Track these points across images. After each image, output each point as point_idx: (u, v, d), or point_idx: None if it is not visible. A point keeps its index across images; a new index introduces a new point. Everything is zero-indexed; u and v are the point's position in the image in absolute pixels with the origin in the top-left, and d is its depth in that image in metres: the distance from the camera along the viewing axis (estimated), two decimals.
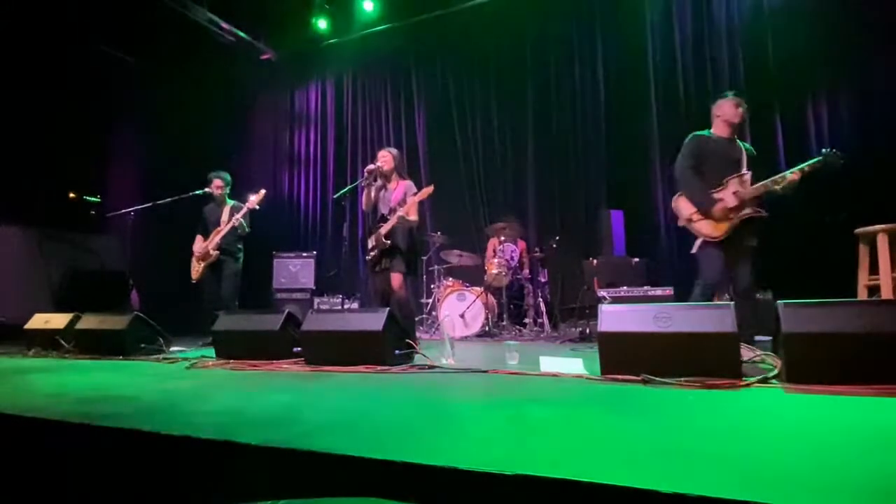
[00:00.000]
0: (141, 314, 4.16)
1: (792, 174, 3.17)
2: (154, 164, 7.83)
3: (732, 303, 2.40)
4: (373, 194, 4.30)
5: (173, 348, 4.18)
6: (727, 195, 3.26)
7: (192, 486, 1.40)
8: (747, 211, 3.22)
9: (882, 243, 3.75)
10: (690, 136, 3.53)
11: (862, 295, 3.95)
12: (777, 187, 3.18)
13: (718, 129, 3.48)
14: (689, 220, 3.39)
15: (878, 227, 3.80)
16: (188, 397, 2.16)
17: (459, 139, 7.31)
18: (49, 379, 2.79)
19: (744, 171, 3.29)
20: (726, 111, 3.43)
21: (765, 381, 2.15)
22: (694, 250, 3.41)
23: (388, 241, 4.05)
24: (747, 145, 3.47)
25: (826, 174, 3.22)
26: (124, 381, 2.68)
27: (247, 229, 5.10)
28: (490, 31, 7.14)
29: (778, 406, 1.80)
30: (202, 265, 5.06)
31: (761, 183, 3.21)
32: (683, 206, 3.44)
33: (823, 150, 3.17)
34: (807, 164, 3.18)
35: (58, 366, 3.45)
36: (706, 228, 3.31)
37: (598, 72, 6.60)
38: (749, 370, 2.35)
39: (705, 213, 3.31)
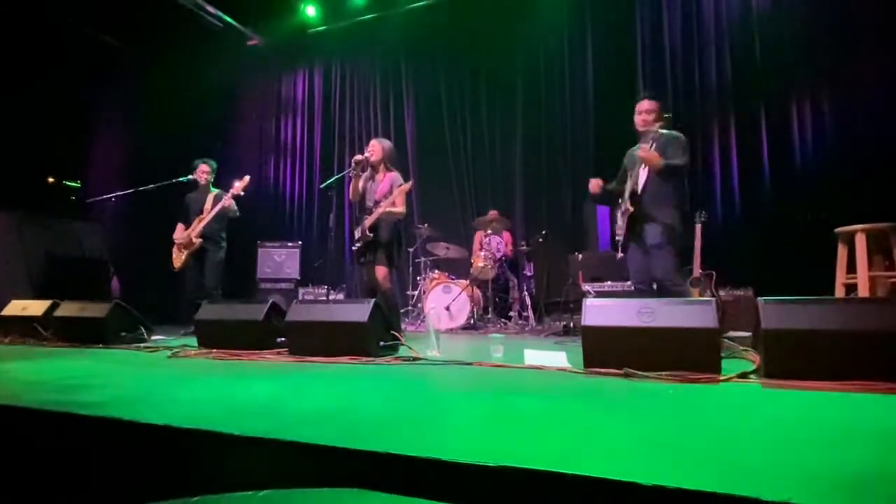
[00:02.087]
0: (122, 302, 4.09)
1: (640, 150, 3.39)
2: (136, 149, 7.69)
3: (714, 299, 2.44)
4: (360, 185, 4.27)
5: (155, 337, 4.13)
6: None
7: (173, 477, 1.39)
8: (624, 210, 3.47)
9: (860, 243, 3.82)
10: None
11: (839, 293, 4.03)
12: (643, 160, 3.36)
13: None
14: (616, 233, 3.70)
15: (856, 226, 3.88)
16: (169, 386, 2.13)
17: (448, 131, 7.29)
18: (26, 366, 2.73)
19: (639, 169, 3.46)
20: (635, 119, 3.59)
21: (744, 376, 2.19)
22: (618, 257, 3.78)
23: (371, 235, 4.04)
24: (669, 132, 3.52)
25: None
26: (104, 369, 2.65)
27: (237, 213, 5.09)
28: (481, 24, 7.11)
29: (756, 401, 1.84)
30: (184, 253, 4.99)
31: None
32: (616, 218, 3.73)
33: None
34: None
35: (35, 353, 3.39)
36: (618, 235, 3.61)
37: (588, 67, 6.62)
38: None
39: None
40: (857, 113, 5.06)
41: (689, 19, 6.09)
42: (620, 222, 3.57)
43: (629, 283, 4.88)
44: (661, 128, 3.49)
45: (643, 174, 3.44)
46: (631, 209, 3.41)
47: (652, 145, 3.43)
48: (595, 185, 3.58)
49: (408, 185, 4.10)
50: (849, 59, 5.13)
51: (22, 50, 6.73)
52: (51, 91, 6.98)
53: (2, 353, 3.42)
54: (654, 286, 3.50)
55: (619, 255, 3.71)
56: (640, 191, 3.42)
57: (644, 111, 3.52)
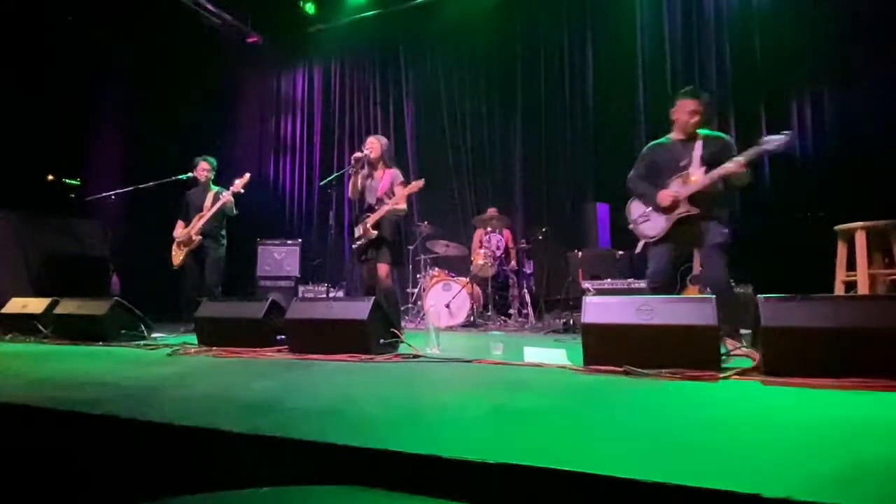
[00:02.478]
0: (122, 300, 4.09)
1: (734, 164, 3.11)
2: (136, 147, 7.68)
3: (714, 296, 2.43)
4: (359, 182, 4.27)
5: (155, 335, 4.13)
6: (664, 195, 3.31)
7: (173, 474, 1.39)
8: (680, 210, 3.26)
9: (860, 240, 3.82)
10: (647, 145, 3.60)
11: (839, 290, 4.03)
12: (730, 173, 3.12)
13: (674, 133, 3.45)
14: (634, 223, 3.50)
15: (856, 224, 3.87)
16: (169, 384, 2.13)
17: (448, 128, 7.28)
18: (26, 364, 2.74)
19: (691, 170, 3.27)
20: (679, 115, 3.39)
21: (743, 373, 2.19)
22: (637, 251, 3.56)
23: (376, 232, 4.04)
24: (718, 135, 3.41)
25: (778, 156, 3.23)
26: (104, 367, 2.65)
27: (234, 211, 5.08)
28: (481, 21, 7.09)
29: (755, 398, 1.84)
30: (184, 251, 4.99)
31: (698, 179, 3.23)
32: (632, 210, 3.55)
33: (760, 140, 3.13)
34: (750, 151, 3.13)
35: (35, 351, 3.39)
36: (646, 230, 3.43)
37: (588, 65, 6.61)
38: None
39: (654, 208, 3.37)
40: (857, 110, 5.05)
41: (689, 17, 6.08)
42: (659, 220, 3.35)
43: (629, 280, 4.90)
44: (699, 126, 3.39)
45: (700, 175, 3.23)
46: (696, 211, 3.23)
47: (704, 148, 3.29)
48: (666, 197, 3.29)
49: (420, 183, 4.11)
50: (849, 57, 5.13)
51: (21, 47, 6.71)
52: (50, 89, 6.96)
53: (2, 350, 3.42)
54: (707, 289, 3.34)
55: (637, 250, 3.54)
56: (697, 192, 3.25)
57: (698, 112, 3.33)
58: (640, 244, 3.48)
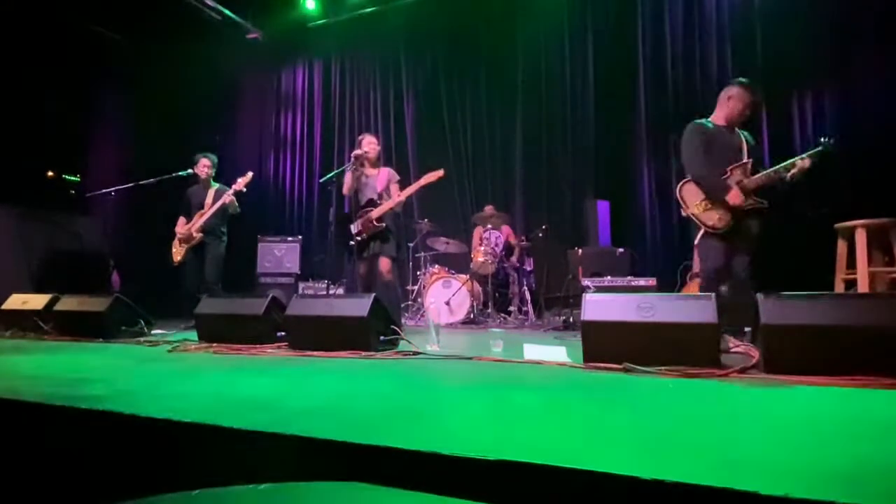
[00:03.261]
0: (122, 296, 4.09)
1: (802, 160, 3.09)
2: (136, 143, 7.68)
3: (714, 294, 2.43)
4: (354, 180, 4.36)
5: (155, 331, 4.14)
6: (732, 185, 3.16)
7: (173, 470, 1.39)
8: (749, 202, 3.14)
9: (860, 238, 3.83)
10: (691, 123, 3.39)
11: (839, 288, 4.04)
12: (786, 174, 3.12)
13: (717, 118, 3.36)
14: (695, 210, 3.27)
15: (856, 222, 3.88)
16: (169, 380, 2.14)
17: (448, 125, 7.27)
18: (27, 360, 2.74)
19: (745, 159, 3.22)
20: (735, 106, 3.27)
21: (743, 370, 2.19)
22: (696, 241, 3.35)
23: (383, 224, 4.12)
24: (745, 133, 3.38)
25: (824, 162, 3.18)
26: (104, 363, 2.65)
27: (238, 210, 5.07)
28: (481, 18, 7.08)
29: (755, 395, 1.84)
30: (185, 248, 4.99)
31: (764, 172, 3.16)
32: (689, 195, 3.29)
33: (822, 140, 3.16)
34: (814, 151, 3.14)
35: (36, 347, 3.40)
36: (710, 219, 3.20)
37: (589, 63, 6.60)
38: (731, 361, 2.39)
39: (715, 201, 3.19)
40: (858, 108, 5.05)
41: (690, 14, 6.07)
42: (721, 213, 3.17)
43: (629, 277, 4.89)
44: None
45: (751, 164, 3.17)
46: (766, 204, 3.13)
47: (744, 142, 3.26)
48: (736, 196, 3.11)
49: (440, 172, 4.16)
50: (850, 54, 5.12)
51: (21, 43, 6.70)
52: (50, 85, 6.96)
53: (2, 346, 3.43)
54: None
55: (696, 241, 3.34)
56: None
57: (750, 108, 3.25)
58: (700, 233, 3.26)
